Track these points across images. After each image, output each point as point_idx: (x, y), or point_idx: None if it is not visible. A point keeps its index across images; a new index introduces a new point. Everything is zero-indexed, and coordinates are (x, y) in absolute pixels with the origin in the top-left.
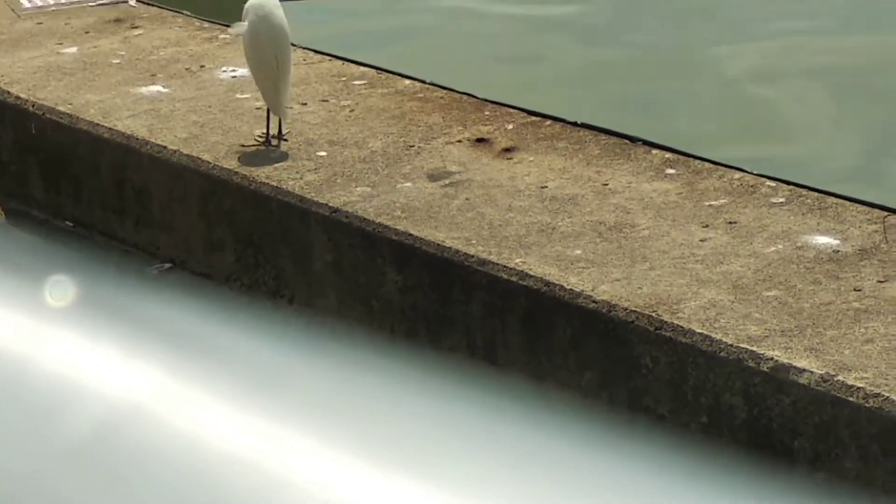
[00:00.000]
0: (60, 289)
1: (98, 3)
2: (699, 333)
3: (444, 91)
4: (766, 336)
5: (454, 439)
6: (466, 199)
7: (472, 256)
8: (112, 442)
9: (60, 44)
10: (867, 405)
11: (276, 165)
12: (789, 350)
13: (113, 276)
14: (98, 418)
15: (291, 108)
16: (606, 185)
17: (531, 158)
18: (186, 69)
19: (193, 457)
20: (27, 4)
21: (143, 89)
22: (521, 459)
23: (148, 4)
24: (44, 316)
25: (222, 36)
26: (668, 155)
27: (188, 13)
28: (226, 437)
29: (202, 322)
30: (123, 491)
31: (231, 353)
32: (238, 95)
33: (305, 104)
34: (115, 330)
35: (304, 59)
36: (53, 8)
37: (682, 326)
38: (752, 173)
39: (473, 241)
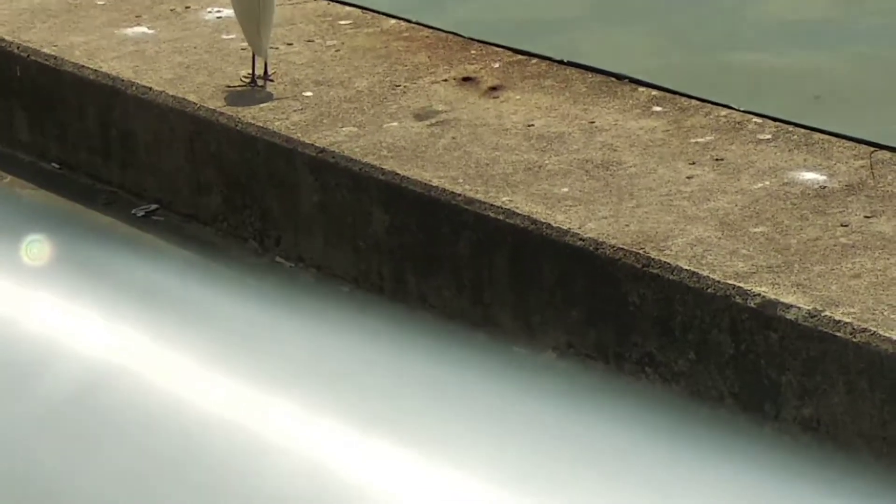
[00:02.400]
0: (38, 246)
1: None
2: (686, 270)
3: (430, 30)
4: (754, 272)
5: (441, 401)
6: (453, 138)
7: (459, 195)
8: (91, 403)
9: None
10: (854, 340)
11: (262, 106)
12: (776, 286)
13: (96, 225)
14: (77, 379)
15: (277, 48)
16: (593, 122)
17: (518, 97)
18: (171, 10)
19: (174, 419)
20: None
21: (128, 30)
22: (509, 421)
23: None
24: (23, 274)
25: None
26: (654, 92)
27: None
28: (207, 398)
29: (185, 278)
30: (103, 453)
31: (213, 311)
32: (223, 36)
33: (291, 44)
34: (95, 287)
35: None
36: None
37: (669, 263)
38: (738, 110)
39: (460, 180)
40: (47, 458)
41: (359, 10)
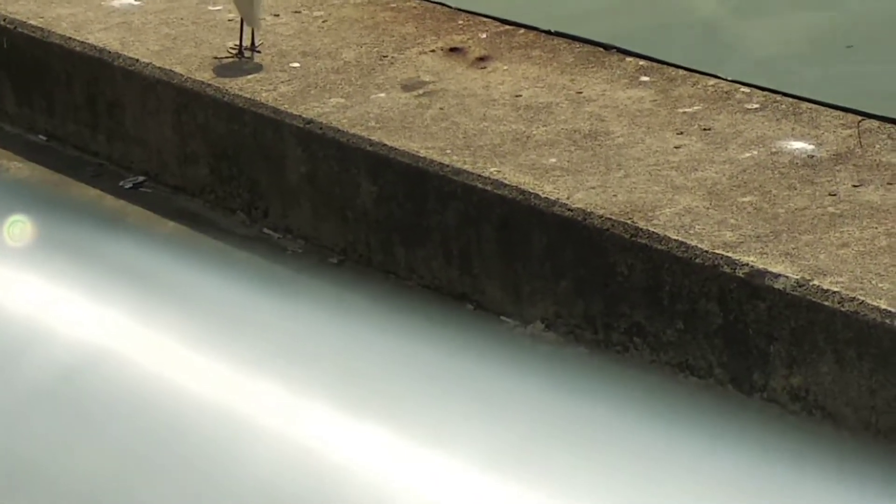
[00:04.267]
0: (20, 227)
1: None
2: (675, 240)
3: (417, 1)
4: (742, 242)
5: (429, 375)
6: (441, 108)
7: (447, 166)
8: (77, 384)
9: None
10: (843, 309)
11: (249, 77)
12: (765, 255)
13: (84, 197)
14: (66, 359)
15: (264, 19)
16: (581, 93)
17: (505, 67)
18: None
19: (159, 398)
20: None
21: (115, 2)
22: (497, 397)
23: None
24: (8, 252)
25: None
26: (641, 62)
27: None
28: (192, 378)
29: (172, 255)
30: (88, 432)
31: (200, 289)
32: (210, 7)
33: (278, 15)
34: (83, 263)
35: None
36: None
37: (657, 233)
38: (726, 80)
39: (448, 151)
40: (34, 436)
41: None
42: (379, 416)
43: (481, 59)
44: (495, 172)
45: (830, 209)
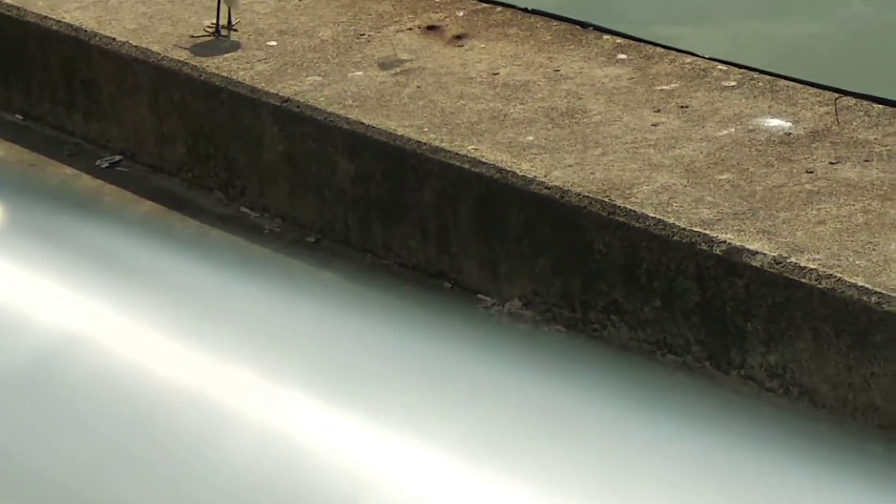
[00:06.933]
0: None
1: None
2: (652, 218)
3: None
4: (719, 219)
5: (402, 360)
6: (418, 86)
7: (425, 144)
8: (52, 371)
9: None
10: (820, 286)
11: (226, 56)
12: (742, 233)
13: (61, 177)
14: (38, 347)
15: None
16: (558, 70)
17: (482, 45)
18: None
19: (134, 384)
20: None
21: None
22: (473, 382)
23: None
24: None
25: None
26: (619, 40)
27: None
28: (168, 363)
29: (149, 236)
30: (63, 420)
31: (174, 275)
32: None
33: None
34: (60, 245)
35: None
36: None
37: (634, 211)
38: (703, 57)
39: (425, 129)
40: (5, 429)
41: None
42: (357, 398)
43: (458, 37)
44: (473, 150)
45: (807, 186)
